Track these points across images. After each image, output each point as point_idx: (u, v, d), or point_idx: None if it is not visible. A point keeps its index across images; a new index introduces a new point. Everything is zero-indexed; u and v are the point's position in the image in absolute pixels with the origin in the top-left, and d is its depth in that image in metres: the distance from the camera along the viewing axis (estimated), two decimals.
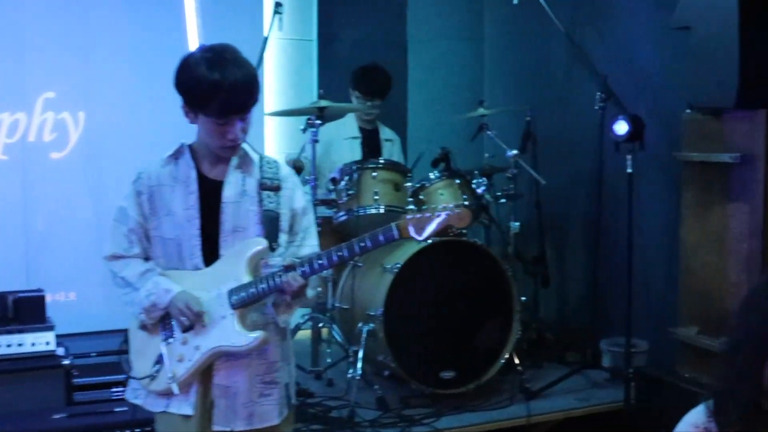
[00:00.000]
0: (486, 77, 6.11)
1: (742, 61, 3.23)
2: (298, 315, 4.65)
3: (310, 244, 2.79)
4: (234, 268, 2.65)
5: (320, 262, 2.59)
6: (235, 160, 2.71)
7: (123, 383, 2.86)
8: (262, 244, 2.65)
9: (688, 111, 3.71)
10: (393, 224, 2.58)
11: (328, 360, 4.63)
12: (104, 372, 4.21)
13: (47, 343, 4.10)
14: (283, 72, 5.82)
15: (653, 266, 4.48)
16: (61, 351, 4.13)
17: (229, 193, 2.68)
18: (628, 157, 3.87)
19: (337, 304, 4.49)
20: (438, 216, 2.58)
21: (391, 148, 5.32)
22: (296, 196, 2.79)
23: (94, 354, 4.47)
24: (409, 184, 4.47)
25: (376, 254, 4.41)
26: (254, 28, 5.30)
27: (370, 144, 5.21)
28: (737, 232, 3.37)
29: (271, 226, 2.70)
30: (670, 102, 4.23)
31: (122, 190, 2.75)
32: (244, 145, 2.75)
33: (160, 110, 4.74)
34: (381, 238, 2.59)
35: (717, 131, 3.47)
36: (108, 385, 4.12)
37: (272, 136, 5.72)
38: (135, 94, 5.06)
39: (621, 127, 3.85)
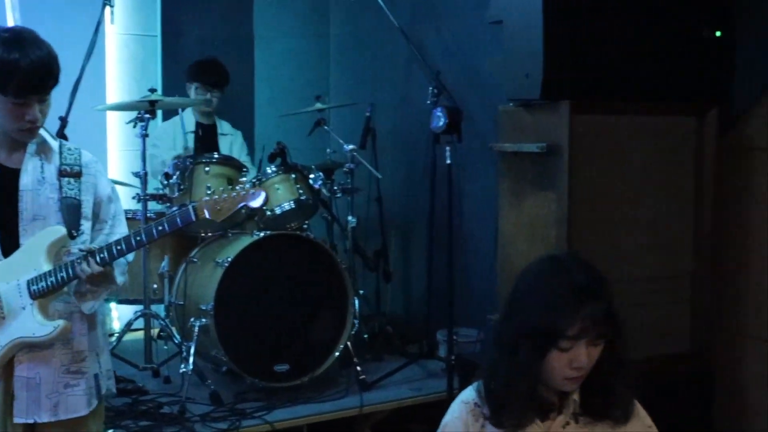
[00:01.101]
0: (331, 73, 6.16)
1: (546, 53, 3.35)
2: (130, 312, 4.63)
3: (120, 232, 2.76)
4: (33, 257, 2.60)
5: (119, 247, 2.59)
6: (32, 147, 2.66)
7: None
8: (61, 232, 2.62)
9: (510, 104, 3.83)
10: (190, 206, 2.59)
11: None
12: None
13: None
14: (126, 67, 5.75)
15: (482, 255, 4.59)
16: None
17: (26, 180, 2.63)
18: (447, 148, 3.97)
19: (172, 300, 4.44)
20: (233, 197, 2.61)
21: (229, 142, 5.33)
22: (100, 183, 2.76)
23: None
24: (244, 179, 4.45)
25: (211, 249, 4.43)
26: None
27: (207, 139, 5.21)
28: (546, 220, 3.49)
29: (71, 213, 2.66)
30: (498, 95, 4.35)
31: None
32: (43, 132, 2.69)
33: None
34: (178, 220, 2.61)
35: (528, 122, 3.59)
36: None
37: (115, 132, 5.64)
38: None
39: (439, 119, 3.94)
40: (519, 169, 3.63)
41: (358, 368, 4.35)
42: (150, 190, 4.53)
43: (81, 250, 2.57)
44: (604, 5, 3.51)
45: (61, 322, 2.59)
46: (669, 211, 3.79)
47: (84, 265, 2.54)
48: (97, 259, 2.55)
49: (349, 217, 4.85)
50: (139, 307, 4.55)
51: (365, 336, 4.94)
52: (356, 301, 4.57)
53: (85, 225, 2.69)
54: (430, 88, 4.45)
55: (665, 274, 3.77)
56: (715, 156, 3.82)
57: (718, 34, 3.73)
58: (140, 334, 4.65)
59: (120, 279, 2.70)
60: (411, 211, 5.38)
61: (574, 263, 2.12)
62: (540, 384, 2.08)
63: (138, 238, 2.59)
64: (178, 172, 4.40)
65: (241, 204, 2.60)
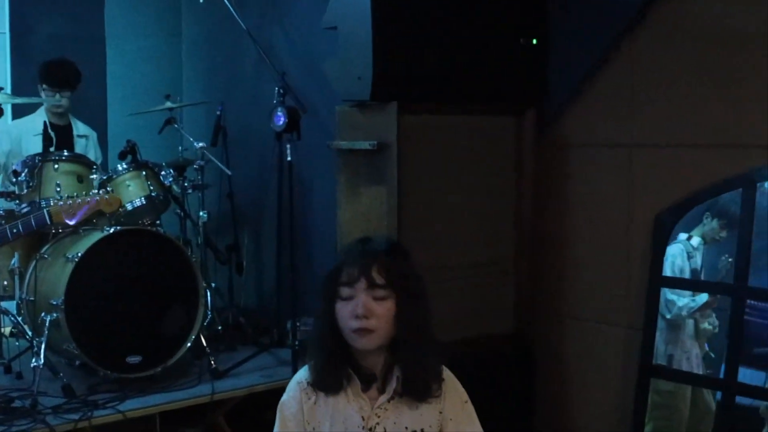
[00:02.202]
0: (184, 72, 6.27)
1: (375, 58, 3.61)
2: None
3: None
4: None
5: None
6: None
7: None
8: None
9: (346, 105, 4.07)
10: (45, 209, 2.70)
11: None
12: None
13: None
14: None
15: (326, 247, 4.81)
16: None
17: None
18: (288, 146, 4.20)
19: (23, 296, 4.47)
20: (87, 201, 2.75)
21: (85, 144, 5.36)
22: None
23: None
24: (95, 176, 4.51)
25: (62, 245, 4.48)
26: None
27: (62, 139, 5.22)
28: (379, 212, 3.75)
29: None
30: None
31: None
32: None
33: None
34: (32, 222, 2.73)
35: (361, 122, 3.84)
36: None
37: None
38: None
39: (279, 119, 4.17)
40: (354, 165, 3.88)
41: (211, 358, 4.50)
42: None
43: None
44: (430, 14, 3.79)
45: None
46: (492, 203, 4.12)
47: None
48: None
49: (201, 213, 5.00)
50: None
51: (219, 328, 5.09)
52: (208, 294, 4.72)
53: None
54: (276, 89, 4.65)
55: (489, 261, 4.09)
56: (533, 152, 4.17)
57: (534, 41, 4.09)
58: None
59: None
60: (261, 206, 5.56)
61: (378, 237, 2.35)
62: (352, 352, 2.24)
63: None
64: (26, 170, 4.44)
65: (97, 209, 2.72)
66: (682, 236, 3.92)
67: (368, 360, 2.27)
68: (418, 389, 2.25)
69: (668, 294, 3.93)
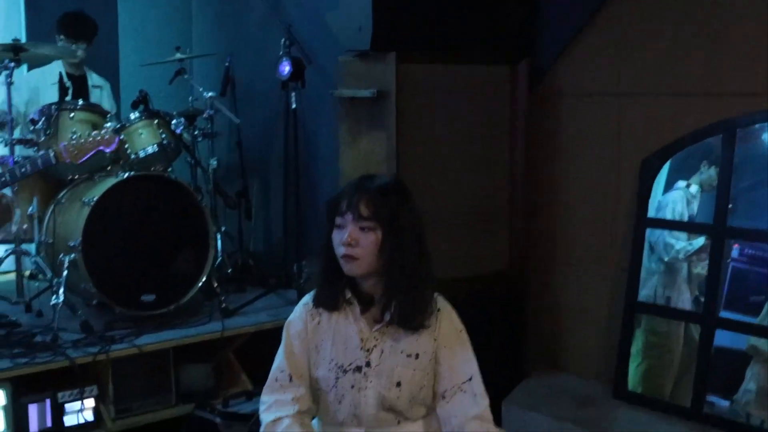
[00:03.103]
0: (194, 24, 6.41)
1: (375, 8, 3.76)
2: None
3: None
4: None
5: None
6: None
7: None
8: None
9: (348, 55, 4.23)
10: (50, 150, 2.91)
11: None
12: None
13: None
14: None
15: (329, 192, 4.99)
16: None
17: None
18: (293, 94, 4.37)
19: (42, 239, 4.69)
20: (90, 141, 2.96)
21: (100, 94, 5.55)
22: None
23: None
24: (109, 124, 4.69)
25: (78, 190, 4.68)
26: None
27: (78, 89, 5.41)
28: (378, 157, 3.93)
29: None
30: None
31: None
32: None
33: None
34: (39, 163, 2.94)
35: (362, 71, 4.00)
36: None
37: None
38: None
39: (284, 68, 4.34)
40: (355, 113, 4.05)
41: (221, 297, 4.70)
42: (17, 135, 4.76)
43: None
44: None
45: None
46: (487, 150, 4.27)
47: None
48: None
49: (211, 160, 5.19)
50: (9, 247, 4.72)
51: (229, 270, 5.31)
52: (218, 237, 4.92)
53: None
54: (283, 40, 4.81)
55: (483, 205, 4.26)
56: (526, 102, 4.31)
57: None
58: (11, 276, 4.88)
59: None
60: (269, 153, 5.72)
61: (383, 176, 2.50)
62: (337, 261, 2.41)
63: (3, 179, 2.91)
64: (43, 118, 4.64)
65: (98, 147, 2.93)
66: (681, 183, 4.06)
67: (366, 285, 2.45)
68: (408, 319, 2.41)
69: (666, 237, 4.08)
